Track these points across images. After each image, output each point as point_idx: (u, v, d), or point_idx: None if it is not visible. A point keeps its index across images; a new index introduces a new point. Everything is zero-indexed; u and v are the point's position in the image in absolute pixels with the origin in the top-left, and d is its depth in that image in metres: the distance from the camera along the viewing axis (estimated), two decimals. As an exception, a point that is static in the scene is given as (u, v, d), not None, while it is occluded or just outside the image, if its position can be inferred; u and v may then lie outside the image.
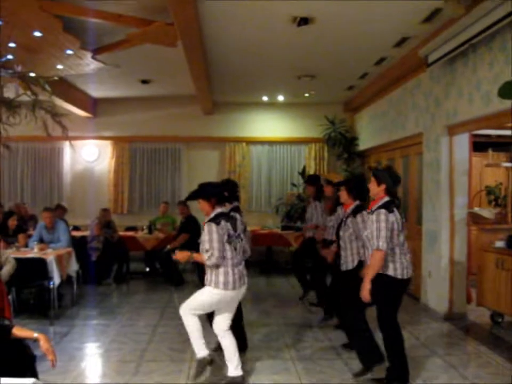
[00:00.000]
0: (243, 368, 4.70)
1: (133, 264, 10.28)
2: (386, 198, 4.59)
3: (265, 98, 11.54)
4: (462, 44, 5.89)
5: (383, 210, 4.45)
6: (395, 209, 4.53)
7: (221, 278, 4.47)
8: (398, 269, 4.51)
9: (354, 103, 11.45)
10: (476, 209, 7.57)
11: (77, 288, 7.96)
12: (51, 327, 6.58)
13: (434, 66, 6.87)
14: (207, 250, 4.43)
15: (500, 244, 6.65)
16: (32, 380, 2.64)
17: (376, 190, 4.68)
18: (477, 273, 6.98)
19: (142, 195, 12.23)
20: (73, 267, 7.71)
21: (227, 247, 4.50)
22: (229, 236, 4.53)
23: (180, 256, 4.62)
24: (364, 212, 5.39)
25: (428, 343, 5.98)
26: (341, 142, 11.64)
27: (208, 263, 4.44)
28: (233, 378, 4.58)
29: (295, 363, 5.29)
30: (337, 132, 11.67)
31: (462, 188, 7.14)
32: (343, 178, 8.02)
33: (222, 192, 4.82)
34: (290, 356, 5.51)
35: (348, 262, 5.61)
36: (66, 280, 7.53)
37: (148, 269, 10.39)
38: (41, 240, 7.73)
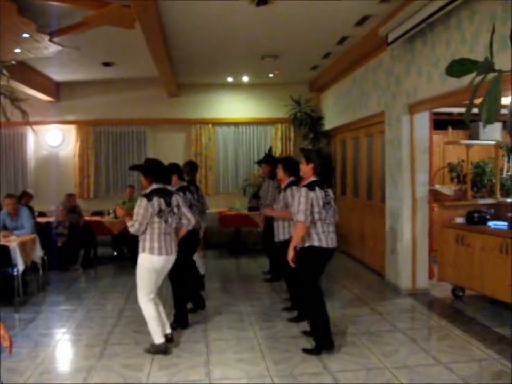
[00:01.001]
0: (209, 347, 4.77)
1: (100, 249, 10.22)
2: (313, 178, 5.03)
3: (230, 79, 11.48)
4: (420, 23, 5.93)
5: (304, 188, 4.93)
6: (317, 188, 4.93)
7: (147, 244, 4.94)
8: (322, 239, 4.94)
9: (319, 82, 11.48)
10: (437, 186, 7.68)
11: (43, 275, 7.89)
12: (16, 313, 6.54)
13: (394, 45, 6.91)
14: (134, 220, 4.90)
15: (459, 220, 6.80)
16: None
17: (305, 169, 5.14)
18: (438, 249, 7.13)
19: (108, 179, 12.10)
20: (38, 253, 7.63)
21: (155, 219, 4.93)
22: (160, 210, 4.94)
23: (119, 211, 5.28)
24: (294, 187, 5.98)
25: (390, 319, 6.10)
26: (307, 122, 11.67)
27: (129, 229, 4.96)
28: (158, 345, 5.02)
29: (260, 342, 5.35)
30: (302, 112, 11.70)
31: (423, 166, 7.24)
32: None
33: (164, 172, 5.21)
34: (255, 335, 5.57)
35: (279, 233, 6.26)
36: (32, 267, 7.47)
37: (115, 253, 10.34)
38: (4, 227, 7.60)
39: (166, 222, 4.99)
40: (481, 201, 7.27)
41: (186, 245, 5.76)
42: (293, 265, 4.94)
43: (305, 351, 5.02)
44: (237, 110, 12.14)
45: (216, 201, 11.76)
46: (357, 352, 5.00)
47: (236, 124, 12.19)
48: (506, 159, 8.56)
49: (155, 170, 5.09)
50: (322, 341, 4.99)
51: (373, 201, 8.92)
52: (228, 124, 12.17)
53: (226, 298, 7.15)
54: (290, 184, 6.10)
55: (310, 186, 4.92)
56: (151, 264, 4.97)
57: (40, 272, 7.77)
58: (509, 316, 5.99)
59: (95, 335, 5.70)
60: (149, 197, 4.93)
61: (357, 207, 9.78)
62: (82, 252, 9.61)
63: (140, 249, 5.01)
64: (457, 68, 3.37)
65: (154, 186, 5.02)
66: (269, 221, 7.94)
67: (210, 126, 12.03)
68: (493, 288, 6.04)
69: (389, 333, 5.61)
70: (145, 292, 5.04)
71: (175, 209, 5.14)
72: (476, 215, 6.58)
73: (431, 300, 7.02)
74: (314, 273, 5.07)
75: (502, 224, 6.26)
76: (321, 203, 4.90)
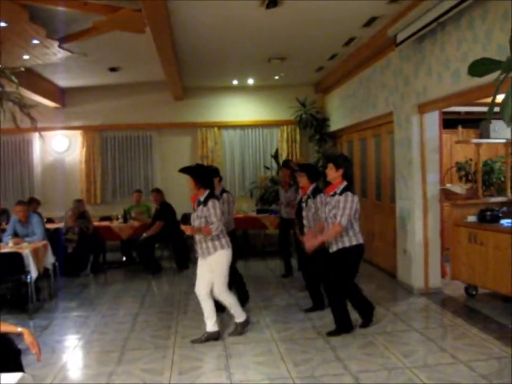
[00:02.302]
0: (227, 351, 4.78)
1: (109, 254, 10.23)
2: (345, 183, 5.35)
3: (235, 82, 11.48)
4: (430, 23, 5.94)
5: (349, 193, 5.28)
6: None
7: (223, 240, 5.43)
8: (359, 237, 5.41)
9: (325, 84, 11.49)
10: (448, 185, 7.69)
11: (55, 281, 7.89)
12: (30, 321, 6.53)
13: (403, 46, 6.91)
14: (212, 223, 5.24)
15: (471, 218, 6.80)
16: (20, 374, 2.64)
17: (334, 175, 5.39)
18: (451, 248, 7.13)
19: (114, 184, 12.12)
20: (50, 260, 7.63)
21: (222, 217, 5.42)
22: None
23: (188, 230, 5.37)
24: (322, 194, 6.03)
25: (405, 318, 6.10)
26: (312, 124, 11.67)
27: (215, 232, 5.26)
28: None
29: (278, 344, 5.36)
30: (308, 114, 11.70)
31: (434, 165, 7.24)
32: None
33: (211, 178, 5.61)
34: (272, 337, 5.58)
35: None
36: (43, 273, 7.47)
37: (124, 258, 10.34)
38: (15, 234, 7.60)
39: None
40: (493, 200, 7.28)
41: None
42: (311, 250, 5.57)
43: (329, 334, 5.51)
44: (243, 112, 12.15)
45: (224, 204, 11.73)
46: (376, 353, 5.00)
47: (242, 126, 12.19)
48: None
49: (207, 177, 5.48)
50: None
51: (382, 201, 8.92)
52: (234, 126, 12.17)
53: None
54: (317, 191, 6.15)
55: (352, 190, 5.35)
56: (230, 257, 5.48)
57: (52, 278, 7.77)
58: (523, 314, 6.01)
59: (111, 340, 5.70)
60: (217, 197, 5.53)
61: (366, 207, 9.75)
62: (92, 258, 9.62)
63: (216, 247, 5.37)
64: (479, 67, 3.37)
65: (209, 190, 5.41)
66: (285, 223, 8.15)
67: (216, 129, 12.03)
68: (508, 286, 6.02)
69: (405, 333, 5.62)
70: (226, 284, 5.50)
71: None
72: (488, 213, 6.58)
73: (444, 298, 7.01)
74: (357, 270, 5.57)
75: (515, 222, 6.26)
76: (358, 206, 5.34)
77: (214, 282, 5.47)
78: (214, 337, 5.48)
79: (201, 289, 5.52)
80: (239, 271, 6.80)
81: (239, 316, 5.65)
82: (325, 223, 5.65)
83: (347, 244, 5.34)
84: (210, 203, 5.29)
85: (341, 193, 5.31)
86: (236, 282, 6.56)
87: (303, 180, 6.23)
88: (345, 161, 5.47)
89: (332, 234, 5.31)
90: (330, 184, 5.52)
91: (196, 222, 5.37)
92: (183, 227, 5.42)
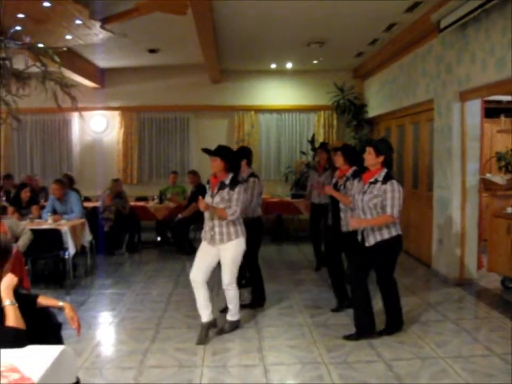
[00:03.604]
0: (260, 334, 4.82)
1: (144, 234, 10.35)
2: (385, 170, 4.85)
3: (273, 65, 11.43)
4: (475, 9, 5.81)
5: (395, 181, 4.79)
6: None
7: (239, 228, 5.13)
8: (398, 226, 4.92)
9: (364, 69, 11.35)
10: (488, 175, 7.56)
11: (91, 258, 8.06)
12: (67, 296, 6.67)
13: (446, 32, 6.79)
14: (230, 207, 4.95)
15: (511, 210, 6.66)
16: (61, 346, 2.71)
17: (373, 160, 4.86)
18: (488, 239, 7.01)
19: (151, 165, 12.26)
20: (87, 237, 7.79)
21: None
22: None
23: (202, 204, 4.95)
24: (356, 179, 5.50)
25: (440, 308, 6.05)
26: (350, 109, 11.56)
27: (230, 218, 4.95)
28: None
29: (311, 329, 5.37)
30: (346, 99, 11.58)
31: (474, 154, 7.11)
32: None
33: (239, 162, 5.35)
34: (306, 322, 5.59)
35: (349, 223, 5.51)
36: (81, 251, 7.61)
37: (159, 239, 10.46)
38: (54, 212, 7.77)
39: None
40: (534, 191, 7.13)
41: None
42: (356, 227, 4.96)
43: (346, 337, 5.05)
44: (280, 96, 12.09)
45: (258, 188, 11.76)
46: (409, 341, 4.97)
47: (278, 111, 12.15)
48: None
49: (235, 160, 5.21)
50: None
51: (419, 190, 8.81)
52: (271, 110, 12.14)
53: (273, 285, 7.12)
54: (357, 174, 5.59)
55: (397, 180, 4.88)
56: (244, 246, 5.17)
57: (89, 256, 7.93)
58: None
59: (146, 318, 5.80)
60: (243, 183, 5.28)
61: (402, 195, 9.65)
62: (127, 237, 9.77)
63: (231, 234, 5.07)
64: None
65: (232, 174, 5.11)
66: (317, 209, 7.90)
67: (253, 112, 12.02)
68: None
69: (439, 323, 5.57)
70: (236, 275, 5.22)
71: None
72: (528, 205, 6.45)
73: (479, 290, 6.92)
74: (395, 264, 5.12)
75: (556, 215, 6.12)
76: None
77: (225, 271, 5.13)
78: (213, 325, 5.20)
79: (198, 276, 5.12)
80: (260, 264, 6.33)
81: (234, 314, 5.32)
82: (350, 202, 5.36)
83: (386, 236, 4.84)
84: (237, 188, 4.98)
85: (384, 182, 4.78)
86: (254, 278, 6.24)
87: (339, 161, 5.88)
88: (387, 147, 4.97)
89: (380, 222, 4.79)
90: (367, 170, 4.99)
91: (220, 205, 5.00)
92: (200, 200, 5.01)
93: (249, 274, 6.35)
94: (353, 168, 5.79)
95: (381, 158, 4.83)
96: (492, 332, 5.30)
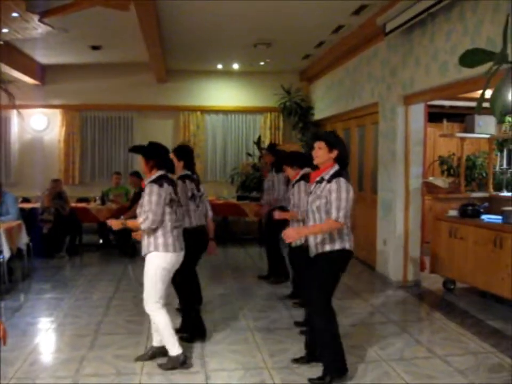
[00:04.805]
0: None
1: (86, 236, 10.05)
2: (336, 167, 4.05)
3: (220, 66, 11.33)
4: (421, 13, 5.87)
5: (342, 179, 3.94)
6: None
7: (160, 240, 4.25)
8: (351, 240, 4.17)
9: (311, 72, 11.38)
10: (431, 178, 7.68)
11: (28, 262, 7.73)
12: (1, 302, 6.36)
13: (392, 35, 6.84)
14: (145, 212, 4.18)
15: (453, 212, 6.78)
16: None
17: (325, 156, 4.05)
18: (431, 242, 7.12)
19: (93, 165, 11.92)
20: (23, 240, 7.45)
21: (167, 210, 4.28)
22: (170, 199, 4.31)
23: (114, 223, 4.34)
24: (302, 182, 5.40)
25: (383, 310, 6.07)
26: (297, 112, 11.58)
27: (142, 226, 4.18)
28: (176, 357, 4.35)
29: (254, 333, 5.28)
30: (292, 101, 11.60)
31: (417, 158, 7.20)
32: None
33: (169, 158, 4.59)
34: (248, 326, 5.50)
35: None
36: (17, 254, 7.29)
37: (101, 241, 10.17)
38: (-11, 213, 7.42)
39: (175, 213, 4.39)
40: (474, 195, 7.27)
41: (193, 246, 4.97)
42: (293, 239, 4.06)
43: (312, 380, 4.12)
44: (226, 97, 12.00)
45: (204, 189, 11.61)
46: (355, 344, 4.93)
47: (225, 111, 12.06)
48: (497, 153, 8.56)
49: (159, 155, 4.42)
50: (335, 365, 4.12)
51: (364, 192, 8.87)
52: (217, 111, 12.04)
53: (217, 289, 7.02)
54: (305, 177, 5.30)
55: (346, 177, 4.01)
56: (168, 263, 4.29)
57: (25, 259, 7.61)
58: (500, 309, 6.03)
59: (84, 324, 5.56)
60: (159, 182, 4.25)
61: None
62: (68, 239, 9.45)
63: (150, 247, 4.28)
64: (471, 57, 3.30)
65: (160, 172, 4.36)
66: (271, 217, 7.17)
67: (199, 113, 11.88)
68: (486, 281, 6.02)
69: (382, 325, 5.58)
70: (158, 297, 4.32)
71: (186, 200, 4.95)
72: (469, 208, 6.55)
73: (422, 292, 7.01)
74: (337, 282, 4.16)
75: (496, 218, 6.24)
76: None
77: (144, 288, 4.42)
78: (180, 361, 4.35)
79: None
80: (199, 280, 5.75)
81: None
82: (297, 215, 5.20)
83: (327, 248, 4.04)
84: (147, 189, 4.25)
85: (329, 180, 3.97)
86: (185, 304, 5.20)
87: (289, 172, 5.75)
88: (340, 140, 4.15)
89: (324, 228, 3.94)
90: (317, 168, 4.21)
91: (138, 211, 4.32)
92: (108, 221, 4.42)
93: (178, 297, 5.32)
94: (304, 170, 5.52)
95: (335, 153, 4.03)
96: (433, 333, 5.36)
